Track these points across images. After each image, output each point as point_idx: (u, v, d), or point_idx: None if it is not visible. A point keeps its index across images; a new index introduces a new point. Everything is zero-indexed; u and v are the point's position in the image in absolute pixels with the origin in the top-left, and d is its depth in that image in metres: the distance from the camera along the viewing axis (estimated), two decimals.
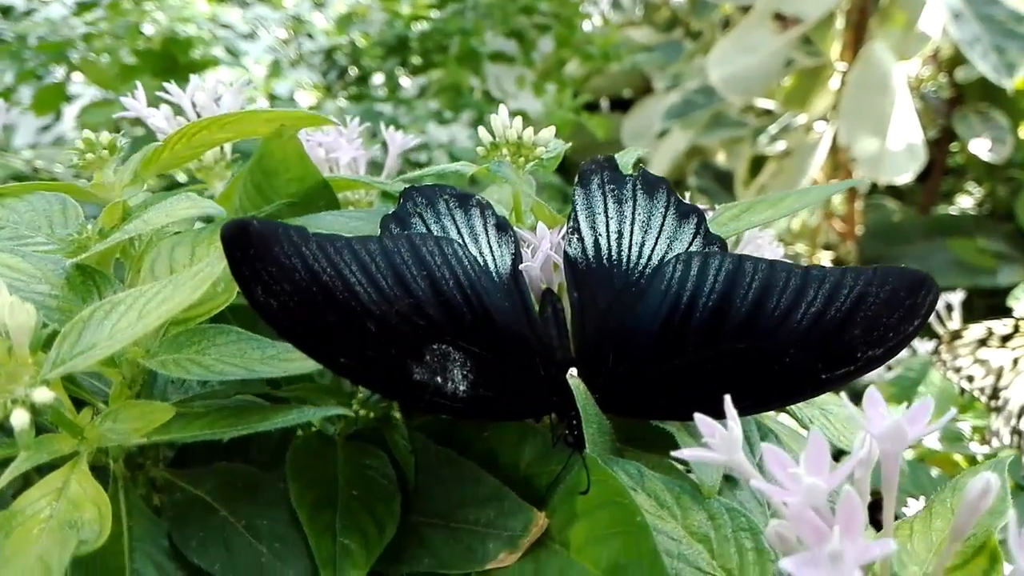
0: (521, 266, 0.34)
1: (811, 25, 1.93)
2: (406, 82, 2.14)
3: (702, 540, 0.29)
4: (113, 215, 0.32)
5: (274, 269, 0.26)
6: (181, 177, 1.02)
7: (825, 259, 2.21)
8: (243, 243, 0.26)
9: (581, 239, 0.34)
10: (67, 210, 0.33)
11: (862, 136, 1.91)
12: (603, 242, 0.34)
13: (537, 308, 0.34)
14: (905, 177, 1.86)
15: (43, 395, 0.23)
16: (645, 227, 0.35)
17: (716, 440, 0.25)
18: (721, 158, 2.35)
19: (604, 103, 2.57)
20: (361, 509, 0.32)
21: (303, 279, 0.27)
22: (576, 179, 0.36)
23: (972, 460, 0.78)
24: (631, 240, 0.34)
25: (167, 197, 0.33)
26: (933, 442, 0.79)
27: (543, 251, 0.34)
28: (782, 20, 1.92)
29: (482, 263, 0.33)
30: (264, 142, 0.38)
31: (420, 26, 1.72)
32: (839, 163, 2.06)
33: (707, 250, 0.34)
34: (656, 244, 0.34)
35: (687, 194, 0.38)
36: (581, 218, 0.35)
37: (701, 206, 0.36)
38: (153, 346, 0.30)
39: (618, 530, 0.27)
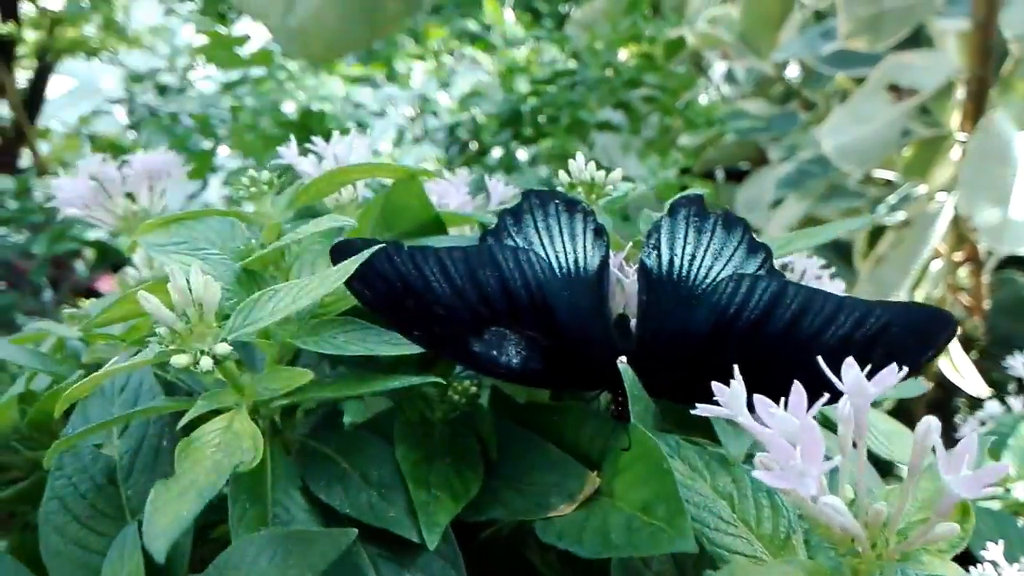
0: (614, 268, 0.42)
1: (928, 96, 1.92)
2: (522, 154, 2.27)
3: (726, 497, 0.35)
4: (272, 232, 0.42)
5: (369, 270, 0.36)
6: None
7: None
8: (347, 254, 0.36)
9: (659, 256, 0.42)
10: (235, 229, 0.43)
11: (982, 206, 1.87)
12: (677, 261, 0.42)
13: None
14: None
15: (223, 348, 0.32)
16: (716, 255, 0.42)
17: (725, 399, 0.31)
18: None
19: (720, 174, 2.62)
20: (451, 472, 0.40)
21: (390, 276, 0.37)
22: (667, 210, 0.43)
23: None
24: (701, 263, 0.42)
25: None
26: (1021, 494, 0.80)
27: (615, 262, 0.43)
28: (897, 91, 1.92)
29: (571, 261, 0.41)
30: (395, 184, 0.48)
31: (533, 100, 1.84)
32: (961, 234, 2.01)
33: (758, 273, 0.41)
34: (723, 270, 0.41)
35: None
36: (663, 239, 0.42)
37: None
38: (298, 332, 0.39)
39: (649, 478, 0.33)
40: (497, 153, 2.28)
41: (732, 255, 0.41)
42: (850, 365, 0.29)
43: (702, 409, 0.32)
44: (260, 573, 0.31)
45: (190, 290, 0.32)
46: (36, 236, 1.80)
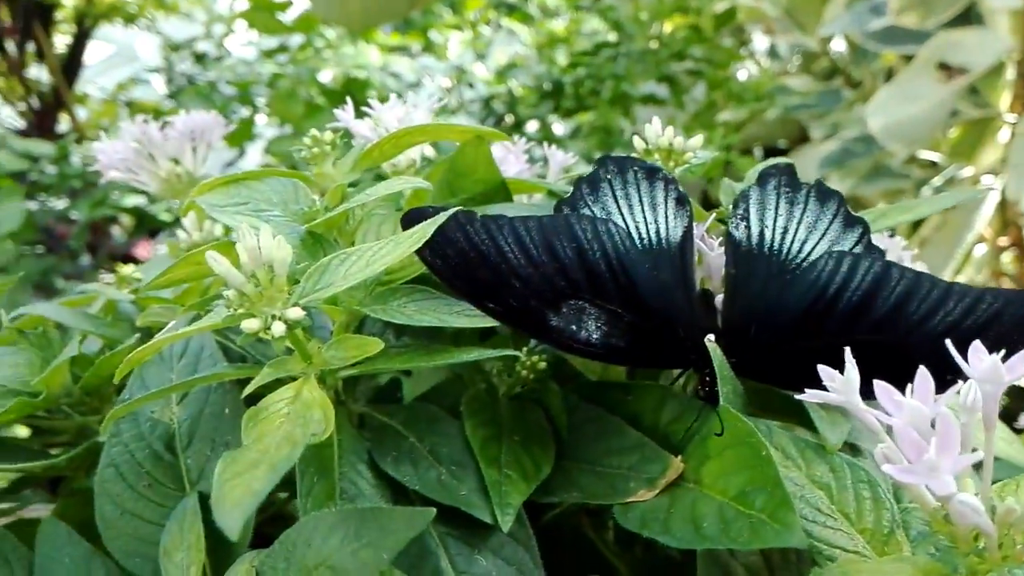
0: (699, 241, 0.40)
1: (978, 75, 1.86)
2: (558, 128, 2.23)
3: (823, 487, 0.33)
4: (336, 196, 0.40)
5: (440, 238, 0.35)
6: None
7: None
8: (418, 221, 0.34)
9: (748, 227, 0.40)
10: (298, 191, 0.41)
11: None
12: (768, 233, 0.39)
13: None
14: None
15: (295, 313, 0.30)
16: (810, 228, 0.39)
17: (836, 384, 0.29)
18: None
19: (758, 152, 2.56)
20: (521, 450, 0.38)
21: (463, 245, 0.35)
22: (756, 179, 0.41)
23: None
24: (794, 236, 0.39)
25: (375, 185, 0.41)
26: None
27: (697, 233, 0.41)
28: (947, 69, 1.86)
29: (651, 232, 0.39)
30: (461, 147, 0.45)
31: (575, 72, 1.81)
32: (1008, 218, 1.96)
33: (858, 251, 0.38)
34: (817, 244, 0.39)
35: None
36: (752, 210, 0.40)
37: None
38: (366, 299, 0.37)
39: (745, 465, 0.31)
40: (533, 126, 2.24)
41: (827, 229, 0.39)
42: (981, 350, 0.26)
43: (810, 395, 0.29)
44: (332, 551, 0.29)
45: (260, 251, 0.30)
46: (75, 201, 1.79)
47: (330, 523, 0.30)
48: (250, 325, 0.29)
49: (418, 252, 0.35)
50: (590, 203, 0.40)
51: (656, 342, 0.38)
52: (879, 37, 1.99)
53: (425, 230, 0.32)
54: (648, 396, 0.39)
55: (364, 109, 0.51)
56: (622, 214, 0.39)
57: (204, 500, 0.35)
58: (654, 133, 0.45)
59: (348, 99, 0.52)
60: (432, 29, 2.67)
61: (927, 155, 2.05)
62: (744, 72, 2.34)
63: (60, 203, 1.92)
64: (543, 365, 0.41)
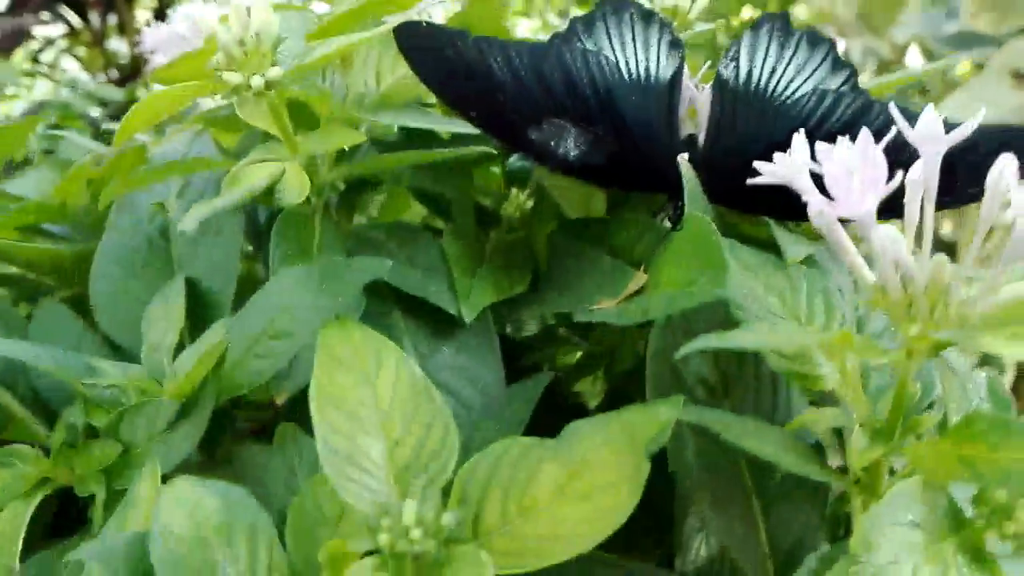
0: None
1: None
2: None
3: (778, 294, 0.33)
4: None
5: (431, 45, 0.36)
6: None
7: None
8: (411, 33, 0.35)
9: (737, 66, 0.40)
10: (309, 23, 0.43)
11: None
12: (756, 72, 0.40)
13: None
14: None
15: (275, 72, 0.32)
16: (798, 70, 0.40)
17: (782, 165, 0.29)
18: (947, 228, 2.22)
19: None
20: (500, 271, 0.39)
21: (452, 58, 0.36)
22: (751, 25, 0.42)
23: None
24: (782, 76, 0.40)
25: None
26: None
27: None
28: (1021, 77, 1.81)
29: (642, 69, 0.40)
30: (471, 2, 0.47)
31: None
32: None
33: (841, 89, 0.39)
34: (804, 84, 0.39)
35: None
36: (743, 51, 0.40)
37: None
38: (360, 110, 0.39)
39: (695, 253, 0.32)
40: None
41: (815, 71, 0.39)
42: (925, 112, 0.27)
43: (761, 167, 0.30)
44: (293, 299, 0.31)
45: (249, 19, 0.32)
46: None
47: (293, 276, 0.32)
48: (231, 77, 0.31)
49: (408, 57, 0.37)
50: (583, 39, 0.41)
51: (633, 165, 0.38)
52: (952, 42, 1.94)
53: (403, 19, 0.34)
54: (627, 229, 0.39)
55: None
56: (614, 50, 0.40)
57: (189, 282, 0.37)
58: None
59: None
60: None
61: None
62: None
63: None
64: (530, 204, 0.42)
